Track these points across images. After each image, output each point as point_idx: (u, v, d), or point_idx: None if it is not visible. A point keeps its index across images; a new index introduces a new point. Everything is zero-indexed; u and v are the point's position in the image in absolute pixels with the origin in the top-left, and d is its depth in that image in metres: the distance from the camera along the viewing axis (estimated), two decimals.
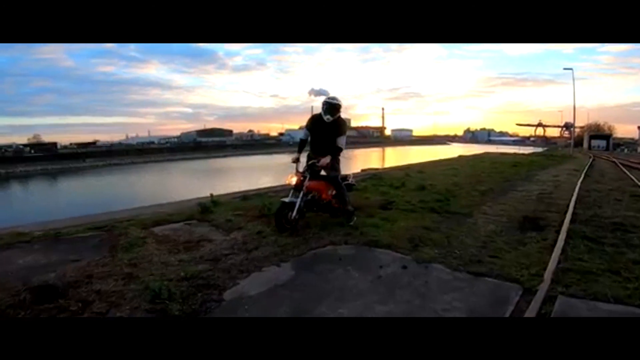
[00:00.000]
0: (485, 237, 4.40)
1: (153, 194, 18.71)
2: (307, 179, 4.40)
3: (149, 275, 3.09)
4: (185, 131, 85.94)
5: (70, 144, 55.26)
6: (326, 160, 4.40)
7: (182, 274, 3.12)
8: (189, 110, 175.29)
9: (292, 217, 4.28)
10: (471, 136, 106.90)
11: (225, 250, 3.75)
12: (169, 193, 18.31)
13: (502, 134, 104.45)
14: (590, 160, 21.44)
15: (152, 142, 68.90)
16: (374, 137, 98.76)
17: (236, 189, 9.41)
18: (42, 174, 35.89)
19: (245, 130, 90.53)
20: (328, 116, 4.44)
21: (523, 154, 26.12)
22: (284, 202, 4.30)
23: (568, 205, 6.44)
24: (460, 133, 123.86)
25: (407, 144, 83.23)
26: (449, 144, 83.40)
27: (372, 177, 9.40)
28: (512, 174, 11.47)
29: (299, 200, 4.29)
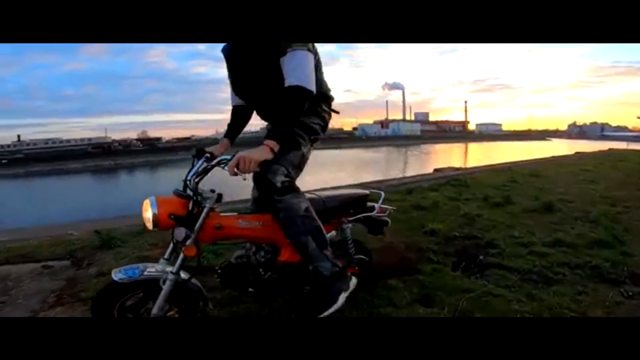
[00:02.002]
0: None
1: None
2: (206, 211, 1.49)
3: None
4: (262, 126, 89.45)
5: (172, 138, 62.68)
6: (247, 159, 1.37)
7: None
8: None
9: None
10: (578, 131, 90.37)
11: None
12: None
13: (619, 128, 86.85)
14: None
15: None
16: (455, 132, 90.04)
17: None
18: (143, 165, 39.78)
19: None
20: None
21: None
22: (115, 284, 1.44)
23: None
24: (562, 128, 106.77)
25: (496, 139, 72.80)
26: (549, 140, 70.53)
27: (450, 182, 5.86)
28: None
29: (169, 276, 1.46)
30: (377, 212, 1.95)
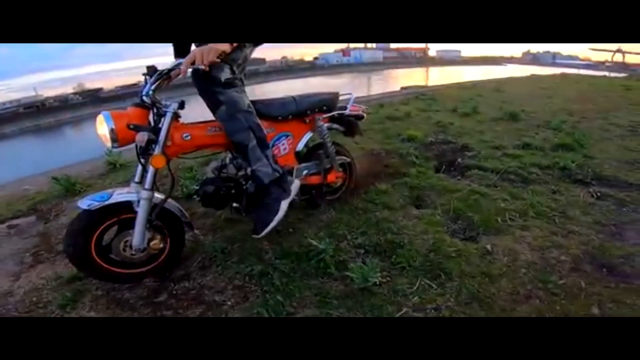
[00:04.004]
0: None
1: None
2: (170, 116, 1.33)
3: None
4: None
5: (115, 87, 56.38)
6: (205, 51, 1.23)
7: None
8: None
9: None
10: (532, 58, 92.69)
11: None
12: None
13: (570, 57, 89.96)
14: None
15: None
16: (416, 58, 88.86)
17: None
18: (89, 118, 36.42)
19: (279, 57, 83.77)
20: None
21: (615, 77, 20.27)
22: (84, 213, 1.28)
23: None
24: (516, 55, 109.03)
25: (455, 64, 73.30)
26: (505, 65, 72.05)
27: (419, 97, 5.75)
28: None
29: (142, 194, 1.30)
30: (351, 110, 1.84)
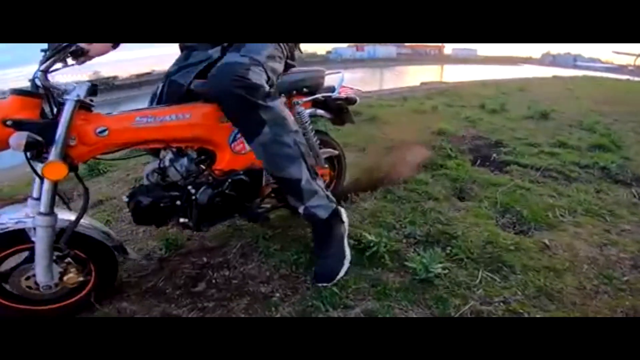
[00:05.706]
0: None
1: None
2: (71, 106, 0.95)
3: None
4: None
5: (130, 75, 57.59)
6: None
7: None
8: None
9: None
10: (551, 60, 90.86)
11: None
12: None
13: (591, 59, 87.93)
14: None
15: None
16: (431, 55, 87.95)
17: None
18: (103, 105, 37.95)
19: None
20: None
21: (638, 81, 19.76)
22: None
23: None
24: (535, 56, 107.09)
25: (471, 63, 72.48)
26: (521, 65, 70.98)
27: (443, 93, 5.65)
28: None
29: (37, 220, 0.93)
30: (340, 92, 1.49)
